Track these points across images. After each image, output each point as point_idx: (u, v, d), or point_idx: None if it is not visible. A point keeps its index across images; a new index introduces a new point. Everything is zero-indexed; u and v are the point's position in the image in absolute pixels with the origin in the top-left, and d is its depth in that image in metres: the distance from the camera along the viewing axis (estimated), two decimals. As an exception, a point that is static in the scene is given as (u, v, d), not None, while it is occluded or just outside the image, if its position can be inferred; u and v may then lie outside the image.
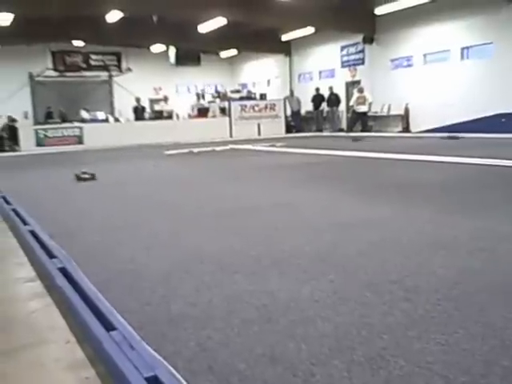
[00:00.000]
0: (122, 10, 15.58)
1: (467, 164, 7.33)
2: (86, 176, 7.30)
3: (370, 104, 16.60)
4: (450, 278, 2.54)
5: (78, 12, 15.58)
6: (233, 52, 23.16)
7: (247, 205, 4.97)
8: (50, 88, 20.66)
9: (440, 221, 3.90)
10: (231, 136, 17.62)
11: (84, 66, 21.30)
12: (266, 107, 18.67)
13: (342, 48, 19.27)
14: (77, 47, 20.81)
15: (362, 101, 16.59)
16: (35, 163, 11.27)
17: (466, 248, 3.08)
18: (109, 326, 1.91)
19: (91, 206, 5.36)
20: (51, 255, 2.93)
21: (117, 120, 18.30)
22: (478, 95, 14.04)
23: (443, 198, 4.92)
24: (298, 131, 18.85)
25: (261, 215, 4.44)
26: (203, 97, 21.30)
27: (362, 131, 16.63)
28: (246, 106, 18.44)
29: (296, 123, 19.51)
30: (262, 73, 23.98)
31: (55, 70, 20.82)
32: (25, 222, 3.97)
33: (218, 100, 20.12)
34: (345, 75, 19.34)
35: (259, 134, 18.04)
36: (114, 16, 16.15)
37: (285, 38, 20.33)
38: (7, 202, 5.12)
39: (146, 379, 1.53)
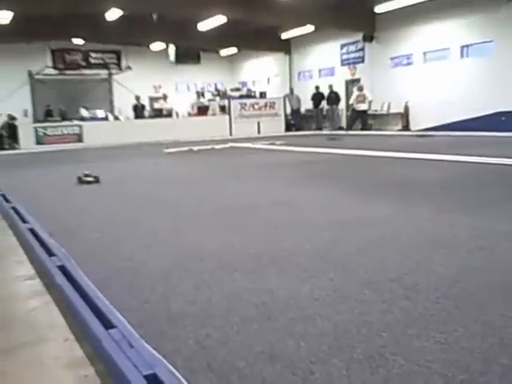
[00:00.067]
0: (121, 8, 15.57)
1: (467, 162, 7.33)
2: (90, 179, 6.72)
3: (370, 102, 16.62)
4: (450, 277, 2.54)
5: (78, 10, 15.57)
6: (233, 50, 23.14)
7: (247, 203, 4.97)
8: (49, 86, 20.63)
9: (439, 219, 3.90)
10: (231, 134, 17.61)
11: (84, 64, 21.25)
12: (265, 105, 18.66)
13: (342, 46, 19.26)
14: (76, 45, 20.77)
15: (361, 99, 16.61)
16: (35, 161, 11.26)
17: (465, 246, 3.08)
18: (108, 324, 1.91)
19: (91, 204, 5.36)
20: (50, 253, 2.93)
21: (116, 118, 18.27)
22: (477, 93, 14.04)
23: (443, 197, 4.92)
24: (297, 129, 18.84)
25: (260, 213, 4.44)
26: (203, 95, 21.29)
27: (361, 129, 16.65)
28: (245, 104, 18.43)
29: (296, 121, 19.51)
30: (262, 71, 23.96)
31: (55, 68, 20.78)
32: (24, 220, 3.97)
33: (217, 98, 20.12)
34: (345, 73, 19.33)
35: (259, 132, 18.03)
36: (113, 14, 16.14)
37: (285, 36, 20.31)
38: (7, 200, 5.11)
39: (145, 377, 1.53)
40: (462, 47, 15.06)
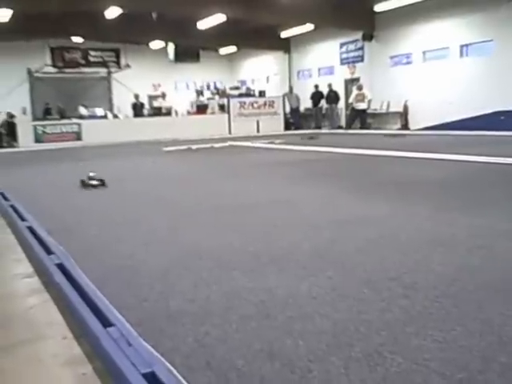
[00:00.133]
0: (121, 7, 15.57)
1: (466, 162, 7.33)
2: (94, 182, 6.16)
3: (369, 101, 16.63)
4: (449, 275, 2.54)
5: (77, 8, 15.55)
6: (232, 49, 23.13)
7: (246, 201, 4.97)
8: (48, 84, 20.61)
9: (438, 218, 3.90)
10: (230, 133, 17.60)
11: (83, 62, 21.23)
12: (264, 104, 18.65)
13: (342, 45, 19.26)
14: (76, 43, 20.76)
15: (361, 98, 16.62)
16: (33, 159, 11.24)
17: (464, 245, 3.08)
18: (106, 323, 1.91)
19: (89, 202, 5.36)
20: (49, 251, 2.93)
21: (115, 116, 18.27)
22: (477, 93, 14.04)
23: (441, 195, 4.92)
24: (296, 128, 18.83)
25: (259, 212, 4.44)
26: (202, 93, 21.28)
27: (360, 128, 16.66)
28: (244, 102, 18.41)
29: (295, 120, 19.50)
30: (261, 70, 23.96)
31: (54, 66, 20.77)
32: (23, 218, 3.97)
33: (217, 97, 20.11)
34: (344, 72, 19.33)
35: (258, 130, 18.02)
36: (113, 12, 16.12)
37: (284, 34, 20.31)
38: (5, 198, 5.10)
39: (144, 375, 1.53)
40: (462, 46, 15.07)
